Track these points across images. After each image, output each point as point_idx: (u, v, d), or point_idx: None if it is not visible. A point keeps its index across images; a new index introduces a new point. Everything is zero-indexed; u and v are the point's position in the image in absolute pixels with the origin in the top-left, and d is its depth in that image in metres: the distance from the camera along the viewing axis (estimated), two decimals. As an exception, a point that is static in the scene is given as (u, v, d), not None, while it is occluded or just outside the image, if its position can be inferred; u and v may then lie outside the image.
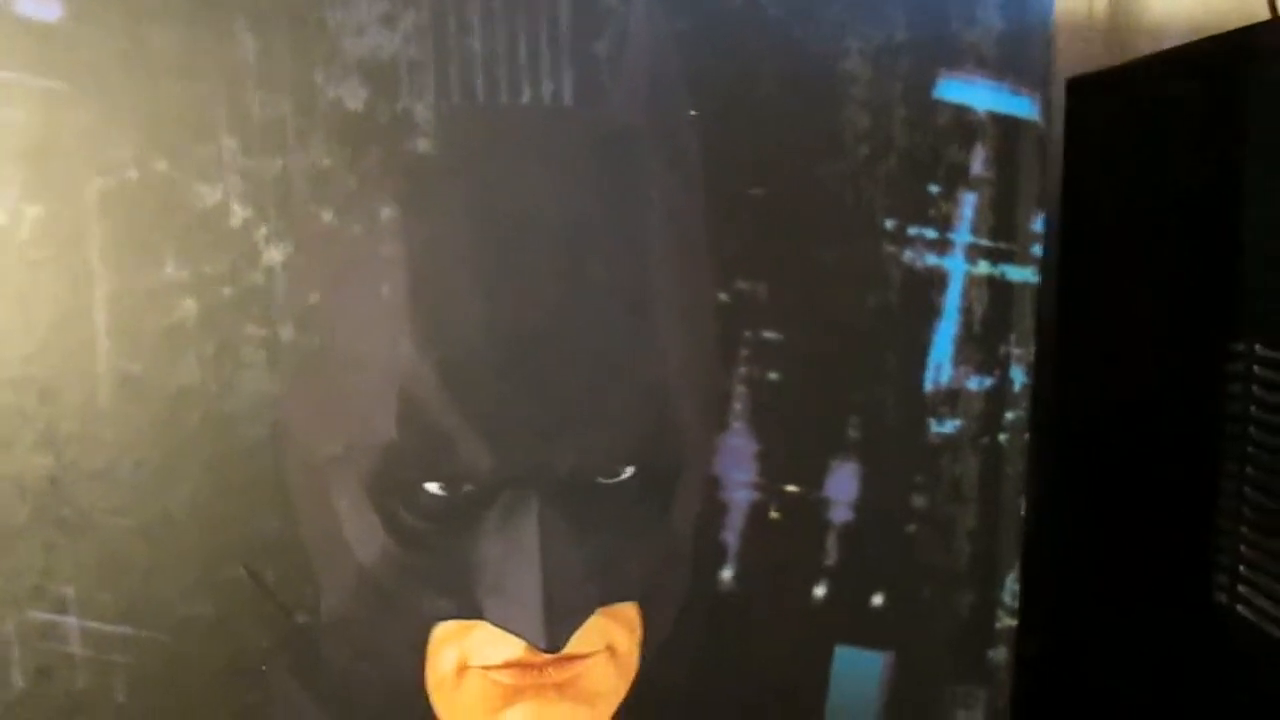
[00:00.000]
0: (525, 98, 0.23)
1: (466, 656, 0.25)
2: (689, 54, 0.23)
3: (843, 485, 0.26)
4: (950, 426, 0.26)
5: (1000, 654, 0.28)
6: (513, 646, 0.25)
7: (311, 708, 0.24)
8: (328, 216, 0.23)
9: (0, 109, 0.22)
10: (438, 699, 0.25)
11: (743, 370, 0.25)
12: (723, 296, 0.25)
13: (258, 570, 0.24)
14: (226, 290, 0.23)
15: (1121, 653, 0.41)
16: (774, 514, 0.26)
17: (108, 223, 0.22)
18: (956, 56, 0.25)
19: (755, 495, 0.26)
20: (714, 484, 0.26)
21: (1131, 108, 0.42)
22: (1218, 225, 0.37)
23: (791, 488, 0.26)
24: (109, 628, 0.23)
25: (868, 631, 0.27)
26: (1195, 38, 0.39)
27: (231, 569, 0.24)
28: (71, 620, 0.23)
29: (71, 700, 0.23)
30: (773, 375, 0.25)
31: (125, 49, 0.22)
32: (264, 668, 0.24)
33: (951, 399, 0.26)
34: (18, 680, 0.23)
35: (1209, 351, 0.37)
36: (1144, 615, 0.40)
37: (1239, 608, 0.37)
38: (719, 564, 0.26)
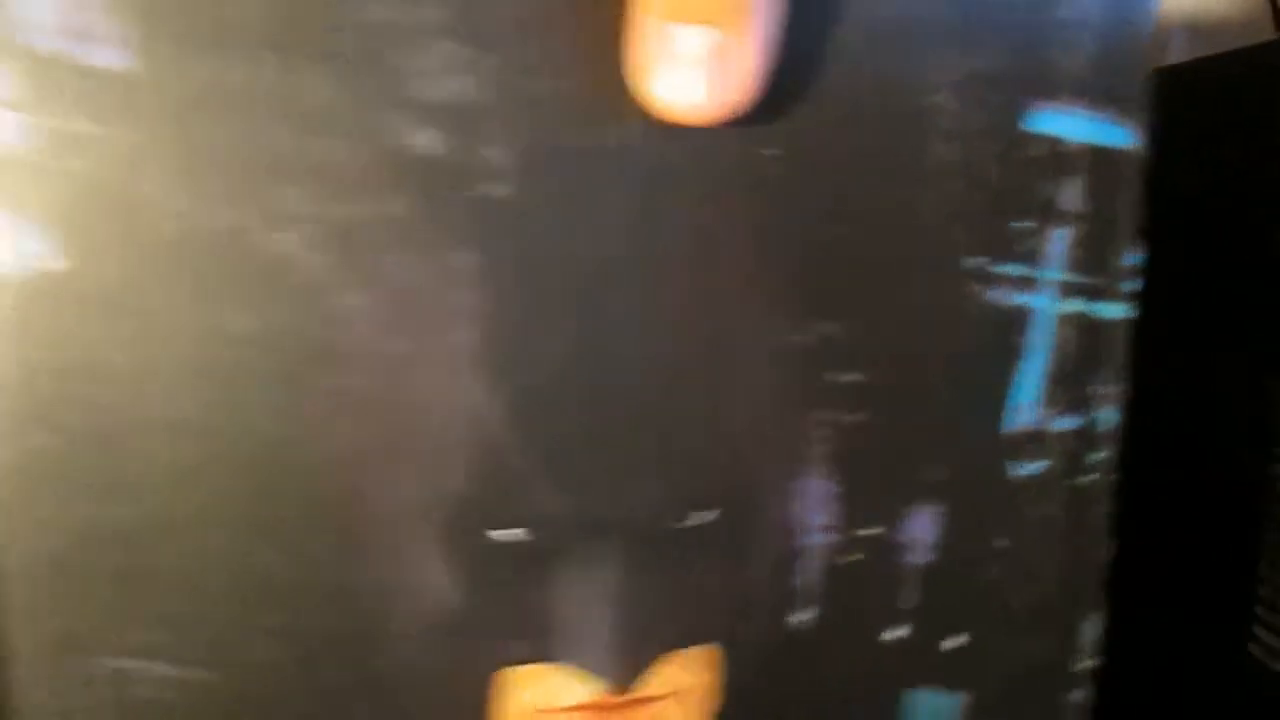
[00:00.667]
0: (600, 139, 0.23)
1: (539, 700, 0.25)
2: (768, 89, 0.22)
3: (922, 527, 0.26)
4: (1035, 468, 0.26)
5: (1078, 696, 0.27)
6: (586, 690, 0.25)
7: None
8: (401, 265, 0.22)
9: (70, 160, 0.21)
10: (511, 741, 0.25)
11: (822, 413, 0.25)
12: (802, 338, 0.24)
13: (332, 618, 0.24)
14: (298, 341, 0.22)
15: (1160, 704, 0.40)
16: (852, 556, 0.25)
17: (178, 272, 0.22)
18: (1050, 86, 0.24)
19: (833, 538, 0.25)
20: (791, 527, 0.25)
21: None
22: (1249, 246, 0.36)
23: (870, 530, 0.25)
24: (185, 672, 0.23)
25: (945, 673, 0.26)
26: (1197, 51, 0.38)
27: (308, 615, 0.24)
28: (148, 666, 0.23)
29: None
30: (852, 417, 0.25)
31: (194, 96, 0.21)
32: (340, 717, 0.24)
33: (1037, 440, 0.25)
34: None
35: (1256, 397, 0.36)
36: (1183, 667, 0.39)
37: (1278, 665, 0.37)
38: (796, 606, 0.25)
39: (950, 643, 0.26)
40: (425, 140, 0.22)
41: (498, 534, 0.24)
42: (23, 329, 0.22)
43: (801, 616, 0.26)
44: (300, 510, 0.23)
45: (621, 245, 0.23)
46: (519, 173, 0.22)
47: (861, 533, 0.25)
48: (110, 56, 0.21)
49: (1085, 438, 0.26)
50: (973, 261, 0.24)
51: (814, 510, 0.25)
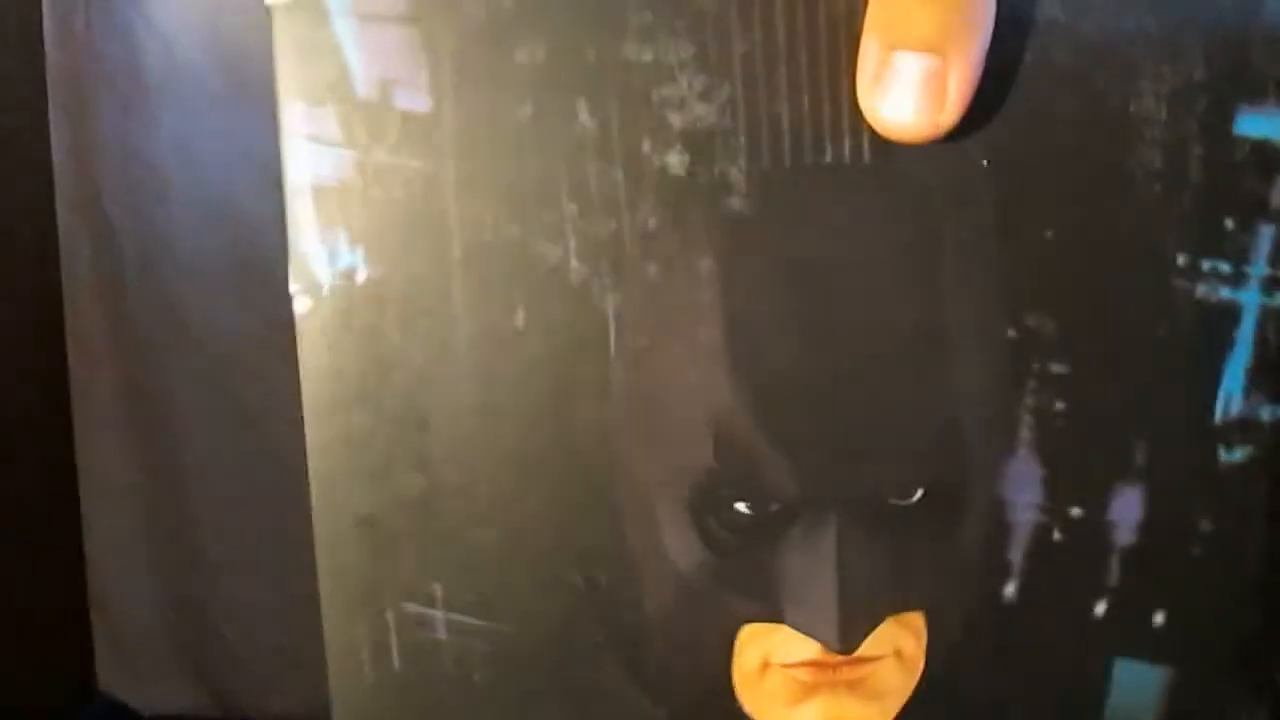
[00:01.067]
0: (828, 156, 0.25)
1: (769, 655, 0.28)
2: (979, 104, 0.25)
3: (1127, 509, 0.27)
4: (1239, 454, 0.27)
5: None
6: (810, 648, 0.28)
7: (635, 694, 0.28)
8: (654, 270, 0.26)
9: (378, 188, 0.26)
10: (743, 691, 0.28)
11: (1030, 400, 0.27)
12: (1012, 332, 0.26)
13: (593, 576, 0.27)
14: (567, 337, 0.26)
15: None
16: (1057, 535, 0.27)
17: (469, 279, 0.26)
18: (1258, 91, 0.25)
19: (1039, 517, 0.27)
20: (999, 506, 0.27)
21: None
22: None
23: (1075, 511, 0.27)
24: (469, 619, 0.28)
25: (1149, 646, 0.28)
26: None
27: (571, 573, 0.27)
28: (439, 613, 0.27)
29: (438, 678, 0.28)
30: (1059, 405, 0.27)
31: (483, 132, 0.25)
32: (597, 663, 0.28)
33: (1242, 428, 0.27)
34: (396, 661, 0.28)
35: None
36: None
37: None
38: (1003, 580, 0.28)
39: (1154, 617, 0.28)
40: (673, 161, 0.25)
41: (736, 505, 0.27)
42: (338, 329, 0.26)
43: (1007, 589, 0.28)
44: (565, 481, 0.27)
45: (847, 250, 0.26)
46: (754, 187, 0.25)
47: (1067, 512, 0.27)
48: (416, 101, 0.25)
49: None
50: (1180, 260, 0.26)
51: (1022, 490, 0.27)
